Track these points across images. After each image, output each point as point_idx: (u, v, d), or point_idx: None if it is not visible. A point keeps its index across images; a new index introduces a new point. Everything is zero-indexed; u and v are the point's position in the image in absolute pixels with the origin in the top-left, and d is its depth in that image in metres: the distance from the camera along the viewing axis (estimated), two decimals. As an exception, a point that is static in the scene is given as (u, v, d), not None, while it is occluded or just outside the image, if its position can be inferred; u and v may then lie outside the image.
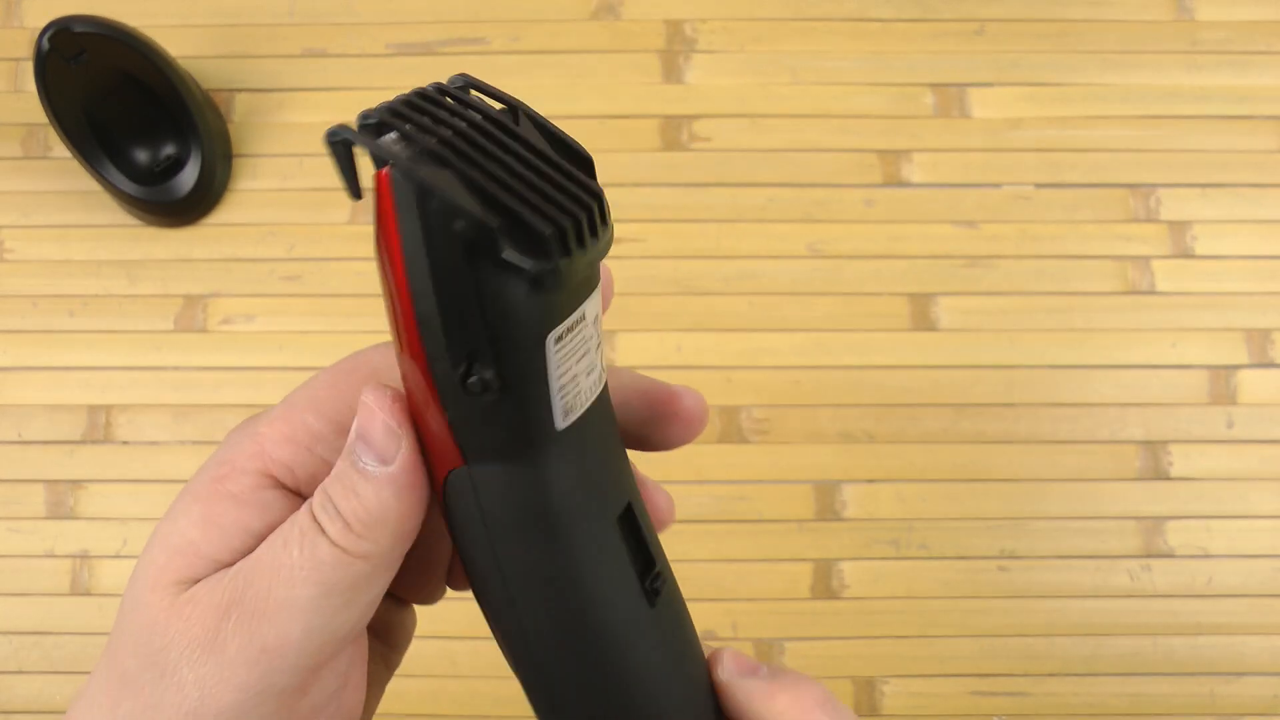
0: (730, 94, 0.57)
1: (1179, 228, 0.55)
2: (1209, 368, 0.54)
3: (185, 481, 0.22)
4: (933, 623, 0.52)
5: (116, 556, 0.53)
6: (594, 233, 0.19)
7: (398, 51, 0.58)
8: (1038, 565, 0.52)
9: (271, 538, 0.20)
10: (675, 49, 0.58)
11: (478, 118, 0.19)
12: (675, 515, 0.25)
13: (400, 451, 0.20)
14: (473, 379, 0.19)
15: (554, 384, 0.20)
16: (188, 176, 0.54)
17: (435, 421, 0.20)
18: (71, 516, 0.53)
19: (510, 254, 0.18)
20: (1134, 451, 0.53)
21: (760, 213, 0.56)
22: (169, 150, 0.55)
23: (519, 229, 0.18)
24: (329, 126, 0.18)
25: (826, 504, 0.53)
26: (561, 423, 0.20)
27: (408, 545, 0.21)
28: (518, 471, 0.20)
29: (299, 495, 0.22)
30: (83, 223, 0.56)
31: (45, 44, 0.48)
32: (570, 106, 0.57)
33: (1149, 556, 0.52)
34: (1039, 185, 0.56)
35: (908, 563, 0.52)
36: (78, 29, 0.48)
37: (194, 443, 0.53)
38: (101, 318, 0.55)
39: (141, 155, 0.55)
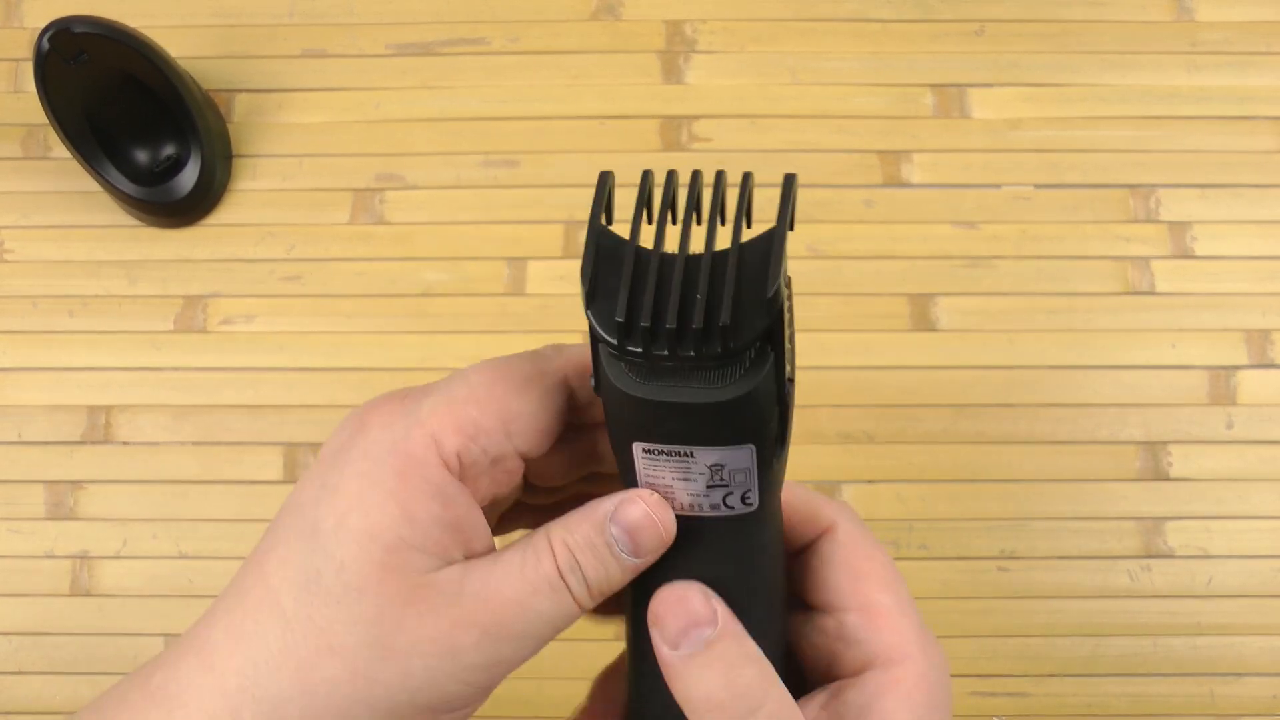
0: (730, 94, 0.57)
1: (1179, 228, 0.55)
2: (1209, 368, 0.54)
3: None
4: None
5: (116, 557, 0.53)
6: (675, 348, 0.21)
7: (398, 52, 0.58)
8: (1038, 565, 0.52)
9: (511, 573, 0.23)
10: (675, 49, 0.58)
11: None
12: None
13: (653, 552, 0.24)
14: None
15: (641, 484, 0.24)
16: (188, 177, 0.54)
17: None
18: (71, 517, 0.53)
19: (589, 314, 0.21)
20: (1134, 452, 0.53)
21: (760, 213, 0.56)
22: (169, 150, 0.55)
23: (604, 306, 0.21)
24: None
25: (826, 504, 0.53)
26: None
27: None
28: None
29: (460, 479, 0.24)
30: (83, 223, 0.56)
31: (45, 44, 0.48)
32: (570, 107, 0.57)
33: (1149, 557, 0.52)
34: (1039, 185, 0.56)
35: (908, 563, 0.52)
36: (78, 29, 0.48)
37: (194, 443, 0.53)
38: (101, 318, 0.55)
39: (141, 155, 0.55)
